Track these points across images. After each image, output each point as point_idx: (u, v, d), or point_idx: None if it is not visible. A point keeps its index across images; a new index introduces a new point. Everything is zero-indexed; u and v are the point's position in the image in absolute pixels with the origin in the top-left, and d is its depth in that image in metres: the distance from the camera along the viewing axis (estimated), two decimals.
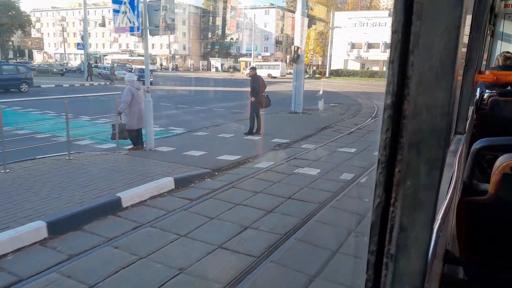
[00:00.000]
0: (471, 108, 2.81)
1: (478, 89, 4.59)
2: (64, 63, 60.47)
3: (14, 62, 49.84)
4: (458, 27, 0.43)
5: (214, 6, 74.21)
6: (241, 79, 40.19)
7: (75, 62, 65.46)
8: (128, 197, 5.04)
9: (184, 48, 74.34)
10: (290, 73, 40.52)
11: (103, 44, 77.93)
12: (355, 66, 56.46)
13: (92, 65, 38.42)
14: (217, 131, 10.62)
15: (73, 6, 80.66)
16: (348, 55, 56.06)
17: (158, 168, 6.47)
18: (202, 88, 29.98)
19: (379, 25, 51.56)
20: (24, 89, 21.79)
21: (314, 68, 58.43)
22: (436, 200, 0.48)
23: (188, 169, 6.52)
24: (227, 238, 4.12)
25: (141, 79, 29.48)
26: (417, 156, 0.45)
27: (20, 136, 8.84)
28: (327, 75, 50.13)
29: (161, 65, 70.47)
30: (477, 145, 1.82)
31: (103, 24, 49.19)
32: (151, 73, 32.92)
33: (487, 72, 4.61)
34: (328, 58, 55.16)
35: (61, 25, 72.02)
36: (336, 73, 53.04)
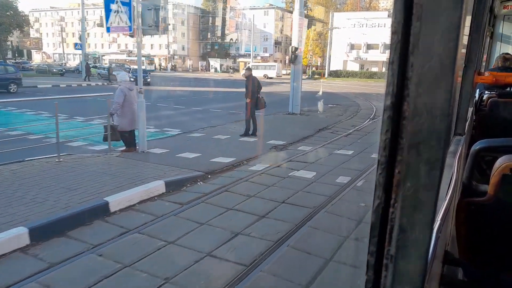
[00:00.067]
0: (470, 109, 2.81)
1: (478, 90, 4.57)
2: (62, 63, 60.35)
3: (12, 62, 49.73)
4: (458, 28, 0.43)
5: (213, 6, 74.10)
6: (240, 80, 39.98)
7: (73, 62, 65.26)
8: (116, 201, 4.88)
9: (183, 49, 74.21)
10: (287, 74, 40.44)
11: (102, 44, 77.79)
12: (354, 67, 56.36)
13: (91, 66, 38.26)
14: (212, 132, 10.46)
15: (72, 6, 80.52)
16: (347, 56, 55.94)
17: (150, 171, 6.31)
18: (200, 89, 29.83)
19: (378, 26, 51.47)
20: (13, 90, 21.30)
21: (313, 69, 58.36)
22: (436, 201, 0.47)
23: (180, 172, 6.36)
24: (217, 245, 3.96)
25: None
26: (417, 157, 0.45)
27: (12, 137, 8.70)
28: (326, 76, 50.04)
29: (160, 65, 70.33)
30: (476, 146, 1.82)
31: (101, 24, 48.73)
32: (149, 73, 32.93)
33: (486, 74, 4.62)
34: (327, 59, 55.05)
35: (59, 25, 71.93)
36: (335, 74, 52.92)
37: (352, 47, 55.40)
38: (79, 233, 4.22)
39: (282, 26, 72.42)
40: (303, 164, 7.28)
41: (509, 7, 6.18)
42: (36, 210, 4.49)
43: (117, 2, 6.92)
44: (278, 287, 3.35)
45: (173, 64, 68.87)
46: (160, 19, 7.69)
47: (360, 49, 54.85)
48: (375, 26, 52.02)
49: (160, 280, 3.33)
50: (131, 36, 7.47)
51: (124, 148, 7.87)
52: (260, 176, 6.50)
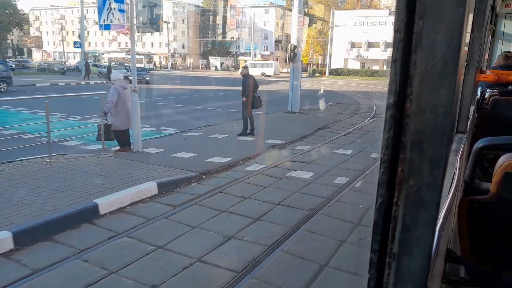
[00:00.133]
0: (472, 108, 2.80)
1: (479, 88, 4.55)
2: (62, 62, 60.21)
3: (13, 61, 49.57)
4: (461, 26, 0.43)
5: (214, 5, 73.85)
6: (239, 78, 39.85)
7: (74, 60, 65.07)
8: (106, 203, 4.73)
9: (183, 47, 74.02)
10: (288, 72, 40.25)
11: (102, 42, 77.64)
12: (355, 65, 56.08)
13: (91, 64, 38.10)
14: (210, 131, 10.30)
15: (72, 5, 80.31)
16: (348, 54, 55.66)
17: (143, 172, 6.16)
18: (199, 87, 29.66)
19: (379, 24, 51.18)
20: (3, 89, 20.85)
21: (314, 67, 58.12)
22: (439, 199, 0.47)
23: (174, 172, 6.21)
24: (208, 250, 3.81)
25: (137, 78, 28.96)
26: (420, 155, 0.45)
27: (5, 137, 8.57)
28: (326, 74, 49.83)
29: (160, 63, 70.15)
30: (478, 144, 1.82)
31: None
32: (148, 71, 32.74)
33: (488, 72, 4.64)
34: (328, 57, 54.79)
35: (60, 23, 71.83)
36: (336, 72, 52.67)
37: (353, 45, 55.10)
38: (66, 237, 4.07)
39: (283, 24, 72.10)
40: (300, 164, 7.12)
41: (511, 5, 6.16)
42: (22, 213, 4.34)
43: None
44: None
45: (173, 62, 68.66)
46: (154, 17, 7.53)
47: (361, 47, 54.55)
48: (376, 24, 51.72)
49: (146, 287, 3.18)
50: (125, 34, 7.29)
51: (118, 147, 7.72)
52: (256, 177, 6.35)
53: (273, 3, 70.88)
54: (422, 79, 0.43)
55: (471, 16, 2.05)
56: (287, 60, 58.28)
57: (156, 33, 71.56)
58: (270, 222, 4.53)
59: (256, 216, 4.69)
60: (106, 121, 7.39)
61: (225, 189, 5.70)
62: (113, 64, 37.40)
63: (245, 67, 9.67)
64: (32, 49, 79.46)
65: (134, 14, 7.28)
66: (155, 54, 70.76)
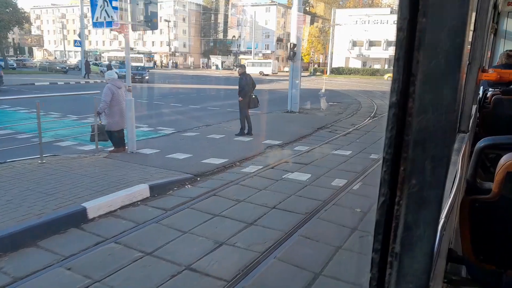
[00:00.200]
0: (474, 107, 2.79)
1: (481, 87, 4.56)
2: (63, 61, 60.11)
3: (14, 60, 49.49)
4: (464, 25, 0.43)
5: (215, 3, 73.62)
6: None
7: (75, 59, 64.95)
8: (95, 207, 4.58)
9: (184, 46, 73.82)
10: (288, 71, 40.04)
11: (103, 41, 77.56)
12: (356, 64, 55.79)
13: (91, 63, 37.97)
14: (207, 131, 10.15)
15: (73, 4, 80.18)
16: (350, 52, 55.37)
17: (136, 173, 6.01)
18: (199, 86, 29.48)
19: (381, 23, 50.85)
20: None
21: (316, 66, 57.88)
22: (441, 198, 0.47)
23: (168, 174, 6.06)
24: (198, 257, 3.66)
25: (135, 77, 28.83)
26: (422, 154, 0.45)
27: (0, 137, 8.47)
28: (328, 73, 49.60)
29: (161, 62, 69.98)
30: (480, 143, 1.81)
31: None
32: (147, 70, 32.60)
33: (490, 71, 4.59)
34: (329, 56, 54.52)
35: (61, 22, 71.67)
36: (337, 71, 52.42)
37: (354, 44, 54.79)
38: (51, 242, 3.92)
39: (284, 23, 71.82)
40: (298, 166, 6.96)
41: None
42: (7, 217, 4.20)
43: None
44: None
45: (174, 61, 68.46)
46: (150, 14, 7.37)
47: (362, 46, 54.24)
48: (377, 23, 51.40)
49: None
50: (119, 32, 7.14)
51: (113, 148, 7.58)
52: (252, 179, 6.19)
53: (274, 1, 70.57)
54: (424, 78, 0.43)
55: (473, 15, 2.00)
56: (288, 59, 58.13)
57: (157, 32, 71.53)
58: (264, 227, 4.38)
59: (250, 220, 4.54)
60: (100, 121, 7.25)
61: (219, 191, 5.54)
62: (113, 63, 37.27)
63: (242, 66, 9.51)
64: (33, 48, 79.44)
65: (129, 11, 7.13)
66: (156, 53, 70.59)
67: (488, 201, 1.53)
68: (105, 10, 6.64)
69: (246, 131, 9.57)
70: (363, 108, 16.76)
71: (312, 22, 63.57)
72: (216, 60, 67.15)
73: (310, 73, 52.80)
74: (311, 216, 4.71)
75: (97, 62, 43.35)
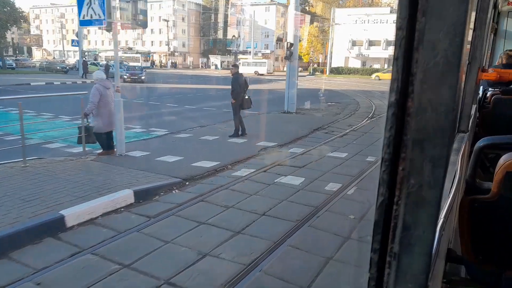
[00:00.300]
0: (474, 106, 2.78)
1: (481, 87, 4.50)
2: (62, 60, 59.86)
3: (13, 59, 49.27)
4: (463, 24, 0.42)
5: (215, 3, 73.36)
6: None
7: (73, 59, 64.71)
8: (74, 214, 4.34)
9: (183, 45, 73.58)
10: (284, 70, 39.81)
11: (102, 41, 77.29)
12: (356, 63, 55.52)
13: (89, 63, 37.74)
14: (201, 133, 9.92)
15: (72, 3, 79.95)
16: (349, 52, 55.10)
17: (122, 178, 5.78)
18: (196, 86, 29.24)
19: (380, 22, 50.60)
20: None
21: (315, 65, 57.63)
22: (440, 198, 0.47)
23: (155, 178, 5.83)
24: (178, 270, 3.43)
25: (132, 77, 28.61)
26: (421, 154, 0.45)
27: None
28: (327, 73, 49.35)
29: (160, 62, 69.73)
30: (480, 143, 1.81)
31: None
32: (144, 70, 32.36)
33: (490, 70, 4.58)
34: (328, 56, 54.25)
35: (60, 22, 71.45)
36: (337, 71, 52.14)
37: (353, 43, 54.52)
38: (24, 254, 3.69)
39: (284, 22, 71.55)
40: (291, 169, 6.72)
41: None
42: None
43: None
44: None
45: (173, 61, 68.20)
46: (139, 12, 7.15)
47: (361, 45, 53.98)
48: (377, 22, 51.14)
49: None
50: (107, 30, 6.91)
51: (101, 151, 7.34)
52: (243, 183, 5.96)
53: (273, 1, 70.30)
54: (424, 77, 0.43)
55: (473, 14, 1.99)
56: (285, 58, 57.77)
57: (156, 32, 71.30)
58: (252, 236, 4.15)
59: (237, 229, 4.31)
60: (87, 123, 7.02)
61: (207, 197, 5.31)
62: (111, 63, 37.02)
63: (235, 66, 9.27)
64: (32, 47, 79.23)
65: (118, 9, 6.91)
66: (155, 52, 70.38)
67: (488, 201, 1.52)
68: (92, 8, 6.40)
69: (240, 133, 9.34)
70: (361, 108, 16.52)
71: (311, 22, 63.34)
72: (215, 60, 66.89)
73: (310, 72, 52.53)
74: (302, 224, 4.48)
75: (95, 61, 43.12)
